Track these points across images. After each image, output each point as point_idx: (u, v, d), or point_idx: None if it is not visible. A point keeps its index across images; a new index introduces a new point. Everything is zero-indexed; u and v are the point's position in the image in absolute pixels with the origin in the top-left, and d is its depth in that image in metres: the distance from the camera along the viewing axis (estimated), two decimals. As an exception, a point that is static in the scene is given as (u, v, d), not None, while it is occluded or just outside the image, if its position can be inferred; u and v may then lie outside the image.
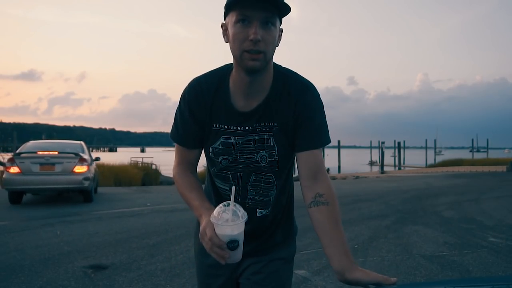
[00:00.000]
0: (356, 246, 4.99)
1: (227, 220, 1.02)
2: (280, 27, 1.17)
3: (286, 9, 1.11)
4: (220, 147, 1.24)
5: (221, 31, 1.18)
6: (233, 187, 1.08)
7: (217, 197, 1.35)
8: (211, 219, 1.04)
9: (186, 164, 1.30)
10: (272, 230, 1.38)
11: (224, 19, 1.17)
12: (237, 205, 1.05)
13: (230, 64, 1.22)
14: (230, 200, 1.05)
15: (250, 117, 1.21)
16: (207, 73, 1.26)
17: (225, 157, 1.25)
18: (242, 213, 1.04)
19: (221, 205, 1.06)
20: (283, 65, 1.27)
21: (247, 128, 1.21)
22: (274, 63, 1.22)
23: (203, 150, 1.31)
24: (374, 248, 4.89)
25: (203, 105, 1.22)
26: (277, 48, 1.17)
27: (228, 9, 1.12)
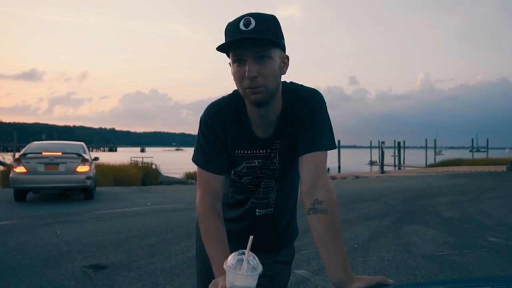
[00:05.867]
0: (356, 246, 4.99)
1: (237, 269, 0.93)
2: (285, 54, 1.17)
3: (278, 38, 1.11)
4: (243, 170, 1.28)
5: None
6: (251, 237, 0.96)
7: (229, 203, 1.39)
8: (223, 265, 0.95)
9: (212, 196, 1.22)
10: (279, 231, 1.41)
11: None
12: (252, 256, 0.95)
13: None
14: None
15: (270, 141, 1.25)
16: (223, 99, 1.26)
17: (248, 177, 1.29)
18: (254, 265, 0.93)
19: (236, 253, 0.96)
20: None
21: (268, 150, 1.26)
22: (282, 82, 1.23)
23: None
24: (374, 248, 4.89)
25: (226, 131, 1.24)
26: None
27: (225, 51, 1.14)
